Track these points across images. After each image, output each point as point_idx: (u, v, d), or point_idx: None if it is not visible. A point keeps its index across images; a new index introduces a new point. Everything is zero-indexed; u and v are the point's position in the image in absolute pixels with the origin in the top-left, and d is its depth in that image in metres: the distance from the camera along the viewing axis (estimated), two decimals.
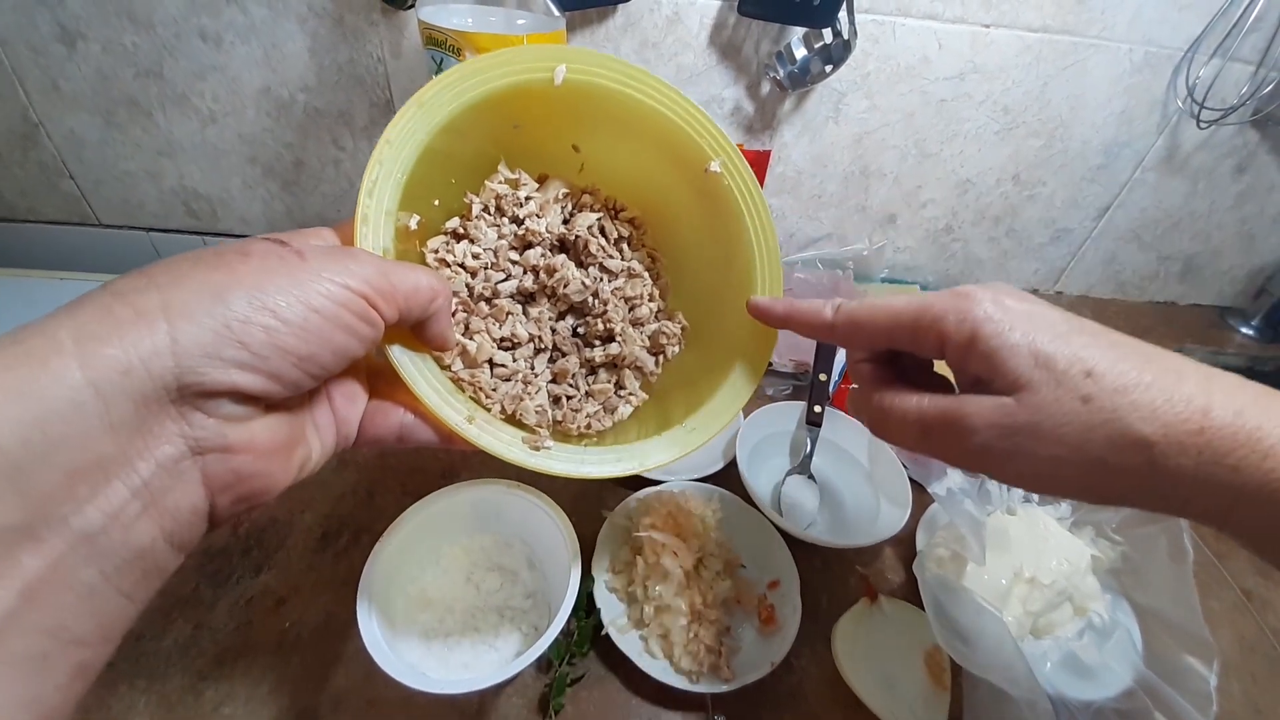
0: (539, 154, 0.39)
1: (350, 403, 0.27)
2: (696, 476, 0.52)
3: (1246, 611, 0.51)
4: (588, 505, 0.51)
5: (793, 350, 0.65)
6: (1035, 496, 0.52)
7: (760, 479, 0.52)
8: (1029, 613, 0.44)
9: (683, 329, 0.41)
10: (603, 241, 0.39)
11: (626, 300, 0.39)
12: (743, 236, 0.37)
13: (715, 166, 0.37)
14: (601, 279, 0.39)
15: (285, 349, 0.20)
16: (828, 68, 0.63)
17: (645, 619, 0.41)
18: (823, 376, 0.59)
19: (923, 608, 0.42)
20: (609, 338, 0.39)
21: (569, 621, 0.42)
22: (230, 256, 0.20)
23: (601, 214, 0.39)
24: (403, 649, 0.37)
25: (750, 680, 0.39)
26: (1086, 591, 0.45)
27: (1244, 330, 0.89)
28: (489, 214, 0.37)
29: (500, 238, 0.37)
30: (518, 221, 0.37)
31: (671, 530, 0.43)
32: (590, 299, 0.38)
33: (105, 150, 0.74)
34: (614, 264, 0.39)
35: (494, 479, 0.43)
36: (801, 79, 0.64)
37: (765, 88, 0.70)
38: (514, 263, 0.37)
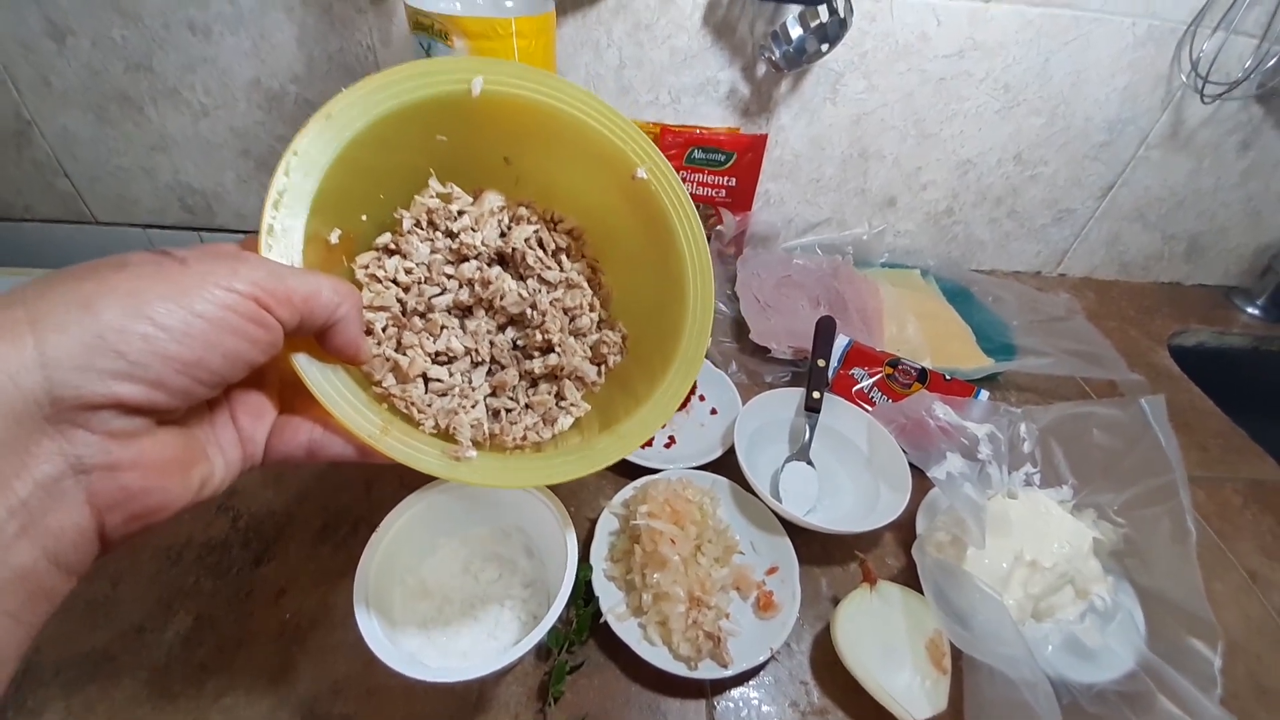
0: (472, 167, 0.39)
1: (256, 419, 0.26)
2: (695, 464, 0.52)
3: (1251, 592, 0.51)
4: (586, 494, 0.51)
5: (791, 337, 0.65)
6: (1037, 480, 0.52)
7: (759, 466, 0.52)
8: (1030, 596, 0.43)
9: (624, 337, 0.41)
10: (540, 253, 0.39)
11: (566, 311, 0.40)
12: (674, 242, 0.38)
13: (641, 173, 0.38)
14: (540, 290, 0.39)
15: (167, 356, 0.19)
16: (824, 47, 0.62)
17: (644, 606, 0.41)
18: (821, 362, 0.59)
19: (923, 592, 0.42)
20: (549, 349, 0.39)
21: (568, 610, 0.42)
22: (104, 268, 0.19)
23: (539, 225, 0.40)
24: (401, 638, 0.37)
25: (749, 666, 0.39)
26: (1088, 574, 0.45)
27: (1250, 310, 0.88)
28: (421, 229, 0.37)
29: (434, 252, 0.37)
30: (451, 235, 0.37)
31: (669, 518, 0.43)
32: (529, 310, 0.38)
33: (98, 146, 0.74)
34: (552, 275, 0.39)
35: None
36: (797, 59, 0.63)
37: (761, 69, 0.69)
38: (449, 276, 0.37)
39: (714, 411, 0.59)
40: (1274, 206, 0.84)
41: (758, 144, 0.73)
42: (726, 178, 0.75)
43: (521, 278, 0.39)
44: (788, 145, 0.76)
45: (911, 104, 0.73)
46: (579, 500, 0.50)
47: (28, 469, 0.17)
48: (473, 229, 0.37)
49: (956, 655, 0.40)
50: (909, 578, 0.46)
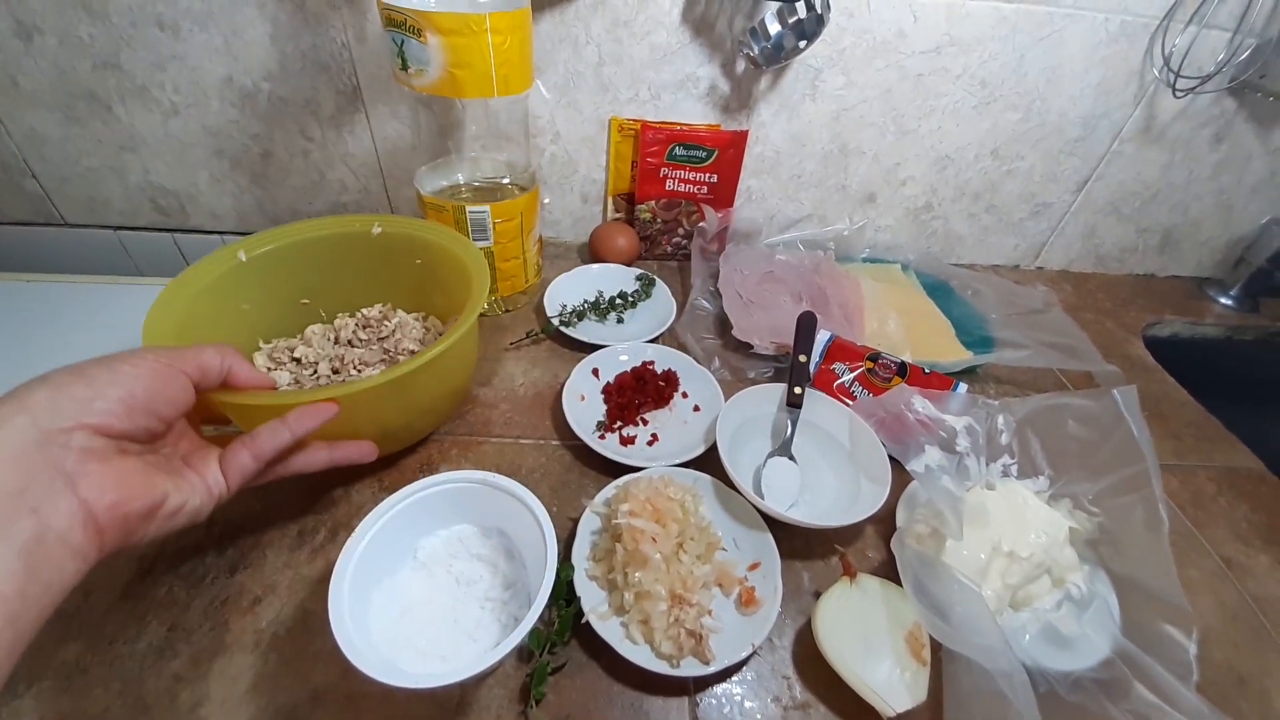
0: (287, 315, 0.55)
1: (205, 463, 0.36)
2: (678, 461, 0.52)
3: (1227, 579, 0.51)
4: (568, 494, 0.51)
5: (773, 332, 0.65)
6: (1015, 471, 0.52)
7: (741, 462, 0.52)
8: (1008, 586, 0.44)
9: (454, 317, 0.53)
10: (362, 333, 0.56)
11: (417, 339, 0.57)
12: (431, 246, 0.54)
13: (376, 229, 0.54)
14: (386, 341, 0.56)
15: (106, 395, 0.29)
16: (802, 43, 0.62)
17: (625, 605, 0.41)
18: (803, 358, 0.59)
19: (902, 585, 0.42)
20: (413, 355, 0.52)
21: (550, 611, 0.42)
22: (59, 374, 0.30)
23: (354, 320, 0.57)
24: (380, 644, 0.36)
25: (731, 662, 0.39)
26: (1065, 563, 0.45)
27: (1223, 301, 0.89)
28: (273, 368, 0.53)
29: (293, 373, 0.53)
30: (297, 361, 0.53)
31: (650, 516, 0.43)
32: (388, 356, 0.54)
33: (67, 146, 0.72)
34: (385, 330, 0.56)
35: (470, 470, 0.42)
36: (776, 56, 0.63)
37: (740, 66, 0.69)
38: (315, 376, 0.53)
39: (697, 409, 0.59)
40: (1246, 199, 0.85)
41: (738, 140, 0.73)
42: (708, 174, 0.75)
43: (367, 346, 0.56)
44: (768, 142, 0.76)
45: (890, 100, 0.73)
46: (560, 500, 0.50)
47: (31, 475, 0.26)
48: (307, 349, 0.54)
49: (936, 646, 0.40)
50: (889, 570, 0.46)
